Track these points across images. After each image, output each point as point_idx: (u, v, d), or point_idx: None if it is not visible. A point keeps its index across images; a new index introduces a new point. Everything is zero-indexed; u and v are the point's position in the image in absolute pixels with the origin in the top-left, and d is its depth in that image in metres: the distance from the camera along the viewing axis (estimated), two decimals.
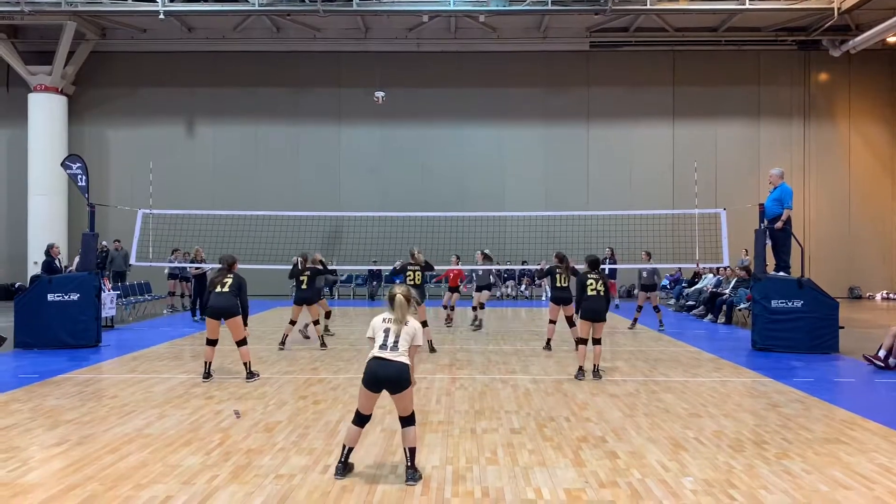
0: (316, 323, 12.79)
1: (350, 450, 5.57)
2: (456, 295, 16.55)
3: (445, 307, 16.65)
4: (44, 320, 12.06)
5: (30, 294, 12.53)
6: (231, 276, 9.52)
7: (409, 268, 12.69)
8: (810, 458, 6.00)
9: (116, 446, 6.31)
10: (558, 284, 12.09)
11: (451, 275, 16.56)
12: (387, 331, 5.52)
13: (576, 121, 25.25)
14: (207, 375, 9.48)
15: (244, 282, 9.59)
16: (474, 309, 15.84)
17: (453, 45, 24.94)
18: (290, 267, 13.01)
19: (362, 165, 25.23)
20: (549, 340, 12.57)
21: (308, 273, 12.63)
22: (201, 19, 23.83)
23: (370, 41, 24.90)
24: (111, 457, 5.99)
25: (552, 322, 12.45)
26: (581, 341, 9.77)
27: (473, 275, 16.19)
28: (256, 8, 21.25)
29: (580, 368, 9.67)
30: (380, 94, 22.70)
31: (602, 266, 19.90)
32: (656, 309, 15.59)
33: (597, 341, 9.72)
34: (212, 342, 9.46)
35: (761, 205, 12.94)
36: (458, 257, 16.33)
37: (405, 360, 5.45)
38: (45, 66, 23.37)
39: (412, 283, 12.34)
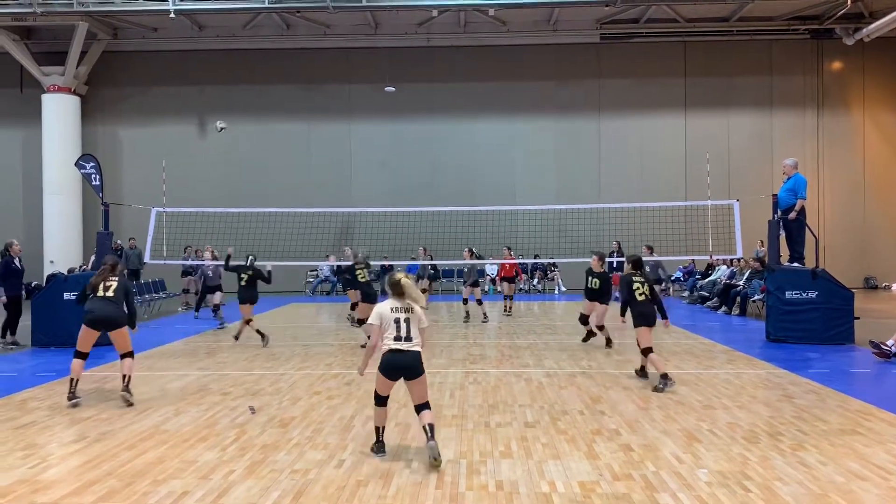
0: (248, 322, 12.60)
1: (383, 429, 6.01)
2: (512, 285, 17.41)
3: (506, 297, 17.39)
4: (60, 319, 12.15)
5: (46, 293, 12.65)
6: (115, 278, 8.29)
7: (356, 267, 12.84)
8: (826, 449, 5.97)
9: (134, 443, 6.38)
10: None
11: (507, 266, 17.19)
12: (397, 321, 5.79)
13: (587, 113, 25.15)
14: (74, 396, 7.88)
15: (130, 285, 8.59)
16: (465, 302, 16.15)
17: (463, 40, 24.89)
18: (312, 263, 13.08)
19: (373, 161, 25.26)
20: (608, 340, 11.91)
21: (250, 272, 12.60)
22: (212, 17, 23.91)
23: (380, 37, 24.90)
24: (129, 453, 6.06)
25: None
26: (650, 350, 8.64)
27: (463, 270, 16.49)
28: (266, 5, 21.28)
29: (665, 375, 8.36)
30: (390, 89, 22.80)
31: (609, 259, 19.92)
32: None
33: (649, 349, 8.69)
34: (82, 355, 8.06)
35: (775, 195, 12.86)
36: (509, 249, 16.76)
37: (418, 348, 5.82)
38: (58, 67, 23.55)
39: (363, 280, 12.63)
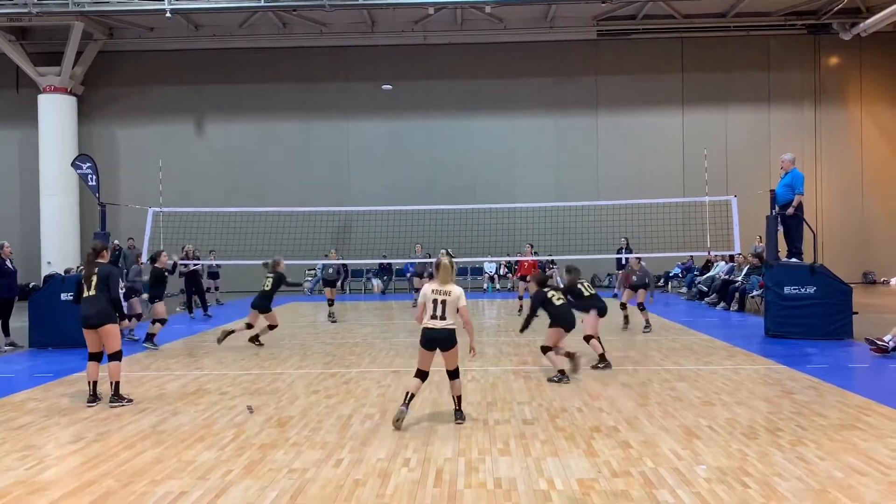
0: (249, 327, 12.24)
1: (412, 396, 6.78)
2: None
3: (520, 298, 17.04)
4: (57, 319, 12.12)
5: (43, 293, 12.62)
6: (97, 268, 7.92)
7: (266, 275, 12.75)
8: (825, 444, 5.96)
9: (131, 443, 6.36)
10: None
11: (526, 264, 17.17)
12: (435, 301, 6.72)
13: (585, 110, 25.13)
14: (93, 399, 7.84)
15: (112, 272, 8.02)
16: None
17: (460, 37, 24.86)
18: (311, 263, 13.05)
19: (371, 159, 25.23)
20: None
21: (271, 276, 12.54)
22: (208, 16, 23.86)
23: (377, 35, 24.86)
24: (126, 453, 6.04)
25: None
26: (549, 349, 8.97)
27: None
28: (262, 4, 21.25)
29: (562, 371, 8.78)
30: (387, 87, 22.76)
31: (618, 256, 19.84)
32: (641, 307, 13.48)
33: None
34: (94, 356, 7.91)
35: (772, 191, 12.85)
36: (531, 246, 16.65)
37: (451, 326, 6.71)
38: (54, 67, 23.50)
39: (266, 289, 12.44)
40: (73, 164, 14.47)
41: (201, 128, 25.60)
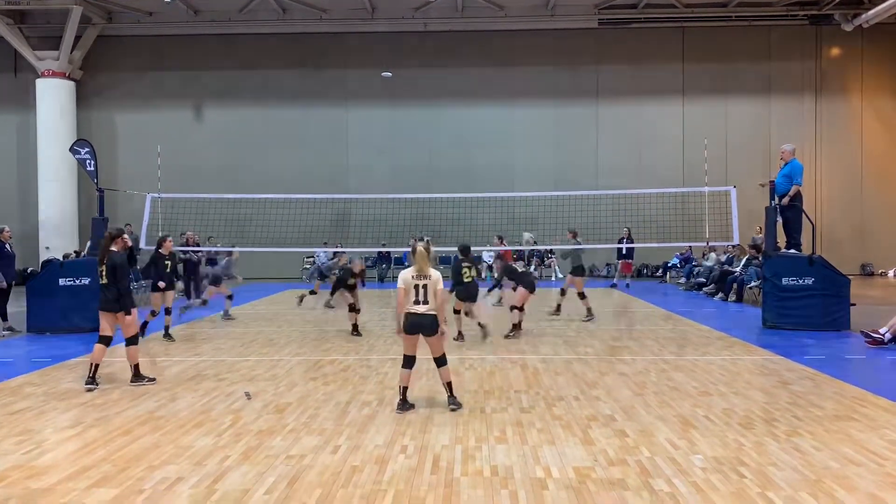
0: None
1: (406, 389, 6.87)
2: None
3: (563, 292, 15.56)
4: (56, 305, 12.13)
5: (41, 278, 12.61)
6: (107, 257, 7.92)
7: None
8: (821, 435, 5.98)
9: (129, 428, 6.37)
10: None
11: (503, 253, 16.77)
12: (417, 287, 6.78)
13: (585, 98, 25.06)
14: (90, 381, 7.85)
15: (120, 261, 7.96)
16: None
17: (460, 24, 24.73)
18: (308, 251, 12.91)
19: (370, 146, 25.16)
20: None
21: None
22: (207, 2, 23.75)
23: (377, 21, 24.72)
24: (124, 438, 6.05)
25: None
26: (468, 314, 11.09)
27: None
28: None
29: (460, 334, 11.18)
30: (387, 74, 22.64)
31: (619, 245, 19.82)
32: (581, 296, 13.47)
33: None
34: (104, 339, 7.97)
35: (772, 181, 12.83)
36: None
37: (434, 311, 6.76)
38: (53, 52, 23.38)
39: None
40: (71, 149, 14.42)
41: (200, 113, 25.51)
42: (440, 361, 6.93)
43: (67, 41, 23.19)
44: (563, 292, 14.23)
